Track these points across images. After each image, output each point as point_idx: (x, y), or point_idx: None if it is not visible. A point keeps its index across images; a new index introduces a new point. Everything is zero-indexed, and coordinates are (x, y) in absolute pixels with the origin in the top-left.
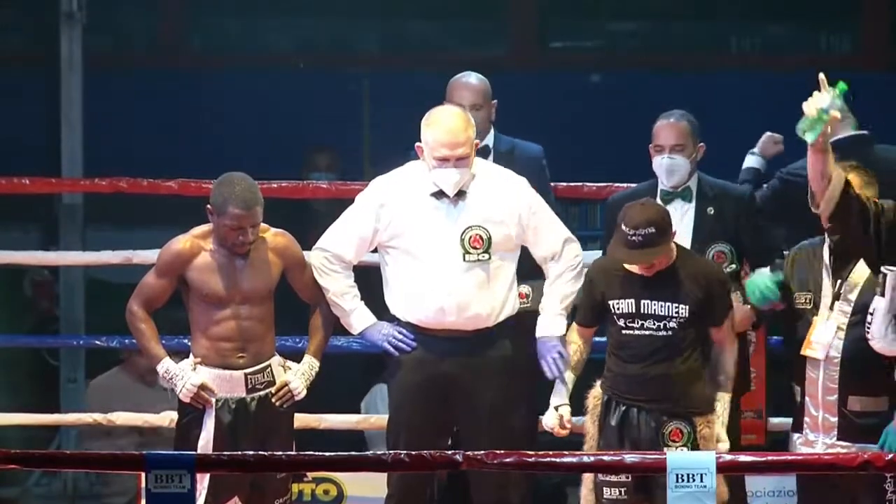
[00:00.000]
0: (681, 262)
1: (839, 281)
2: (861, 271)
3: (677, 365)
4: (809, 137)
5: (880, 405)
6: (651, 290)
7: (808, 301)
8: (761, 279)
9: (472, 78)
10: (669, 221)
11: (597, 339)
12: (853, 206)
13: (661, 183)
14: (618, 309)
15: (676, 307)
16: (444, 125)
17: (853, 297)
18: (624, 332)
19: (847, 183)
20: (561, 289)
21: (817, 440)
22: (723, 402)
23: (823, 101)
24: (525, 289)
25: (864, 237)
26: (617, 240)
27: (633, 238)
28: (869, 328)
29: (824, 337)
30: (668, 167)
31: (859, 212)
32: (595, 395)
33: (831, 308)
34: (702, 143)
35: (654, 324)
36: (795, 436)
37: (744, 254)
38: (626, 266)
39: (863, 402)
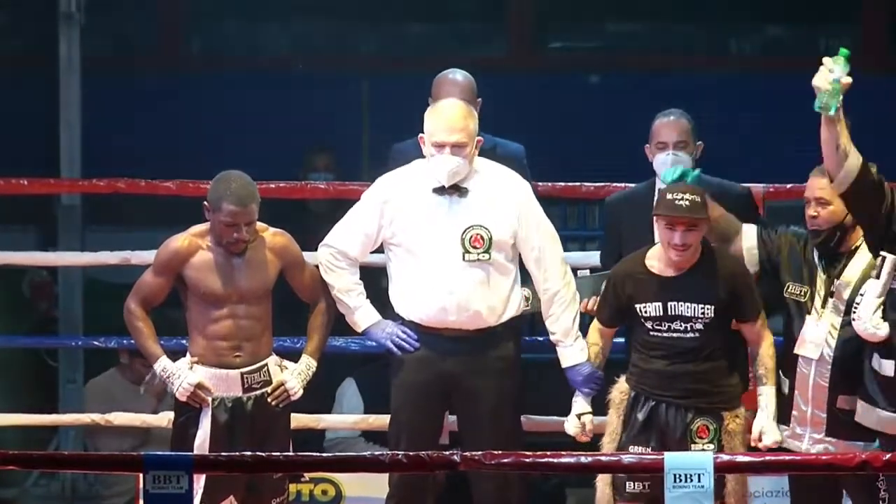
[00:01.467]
0: (706, 261)
1: (832, 279)
2: (853, 270)
3: (705, 362)
4: (832, 111)
5: None
6: (677, 292)
7: (803, 294)
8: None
9: (459, 75)
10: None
11: (616, 339)
12: (870, 187)
13: (659, 182)
14: (645, 312)
15: (703, 308)
16: (444, 113)
17: (846, 295)
18: (652, 333)
19: (865, 163)
20: (566, 317)
21: (805, 434)
22: (765, 395)
23: (834, 72)
24: (525, 291)
25: (876, 216)
26: (660, 205)
27: (680, 202)
28: (856, 309)
29: (817, 336)
30: (674, 164)
31: (874, 192)
32: (622, 389)
33: (824, 306)
34: (700, 142)
35: (681, 325)
36: (782, 427)
37: None
38: (653, 269)
39: (852, 401)
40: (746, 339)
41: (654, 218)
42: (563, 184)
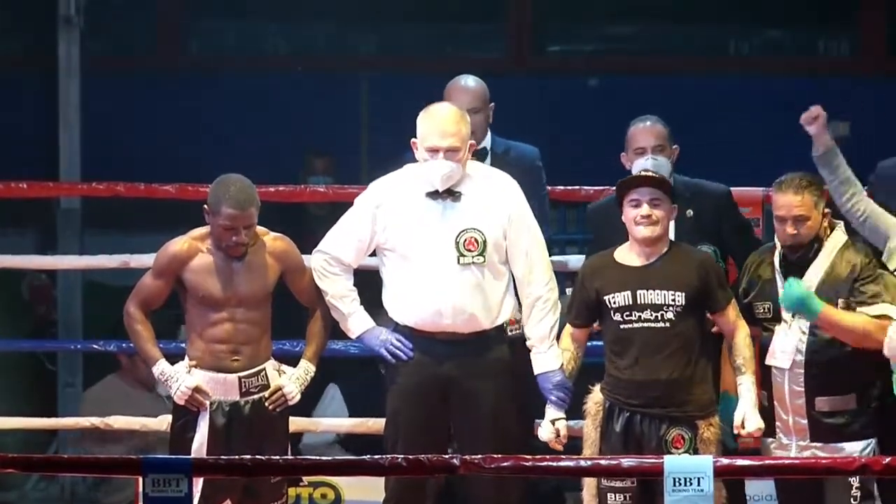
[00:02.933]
0: (674, 253)
1: None
2: (813, 276)
3: (679, 369)
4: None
5: (848, 403)
6: (646, 280)
7: (767, 311)
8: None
9: (471, 81)
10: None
11: (592, 343)
12: None
13: None
14: (614, 303)
15: (673, 295)
16: (437, 117)
17: None
18: (622, 326)
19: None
20: (544, 324)
21: (791, 443)
22: (745, 384)
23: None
24: (516, 315)
25: None
26: (625, 180)
27: (645, 172)
28: None
29: (787, 345)
30: (654, 168)
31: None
32: (596, 399)
33: (794, 316)
34: (676, 146)
35: (652, 314)
36: (769, 440)
37: (728, 252)
38: (622, 262)
39: (831, 402)
40: (722, 330)
41: (621, 205)
42: (562, 187)
